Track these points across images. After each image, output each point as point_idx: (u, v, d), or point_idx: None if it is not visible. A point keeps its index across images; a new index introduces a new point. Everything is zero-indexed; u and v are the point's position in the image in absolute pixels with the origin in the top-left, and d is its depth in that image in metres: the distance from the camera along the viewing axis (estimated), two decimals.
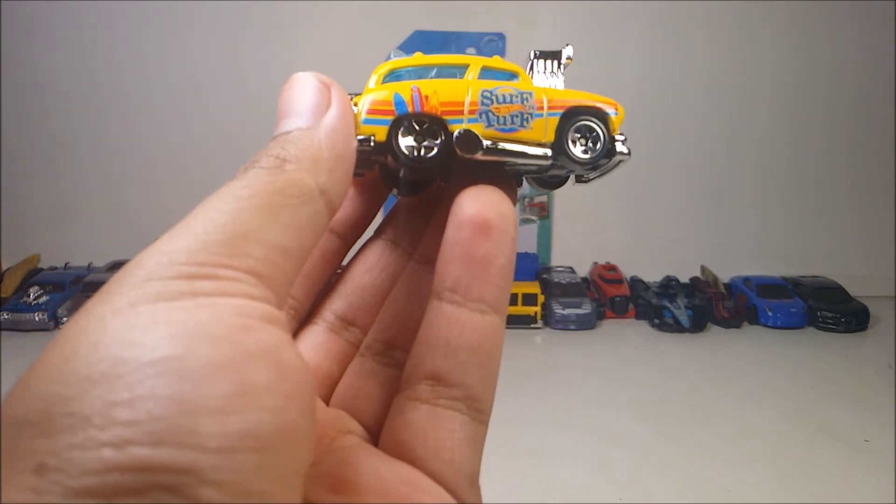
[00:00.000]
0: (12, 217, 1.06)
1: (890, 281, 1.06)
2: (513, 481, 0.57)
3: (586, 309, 0.93)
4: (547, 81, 0.25)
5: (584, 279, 1.03)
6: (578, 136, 0.23)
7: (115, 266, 1.02)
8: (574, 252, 1.07)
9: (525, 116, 0.22)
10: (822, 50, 1.04)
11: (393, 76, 0.24)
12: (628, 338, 0.92)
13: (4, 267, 1.01)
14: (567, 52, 0.25)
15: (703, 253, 1.07)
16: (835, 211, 1.09)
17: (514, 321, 0.91)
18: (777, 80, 1.05)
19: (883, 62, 1.04)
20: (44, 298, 0.92)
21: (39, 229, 1.07)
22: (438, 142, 0.22)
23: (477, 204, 0.20)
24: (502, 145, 0.22)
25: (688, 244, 1.08)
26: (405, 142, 0.22)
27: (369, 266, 0.25)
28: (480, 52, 1.02)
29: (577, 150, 0.23)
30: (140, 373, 0.14)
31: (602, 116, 0.23)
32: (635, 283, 1.01)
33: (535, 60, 0.24)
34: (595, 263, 1.06)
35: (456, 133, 0.21)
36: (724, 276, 1.03)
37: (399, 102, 0.22)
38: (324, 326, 0.24)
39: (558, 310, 0.92)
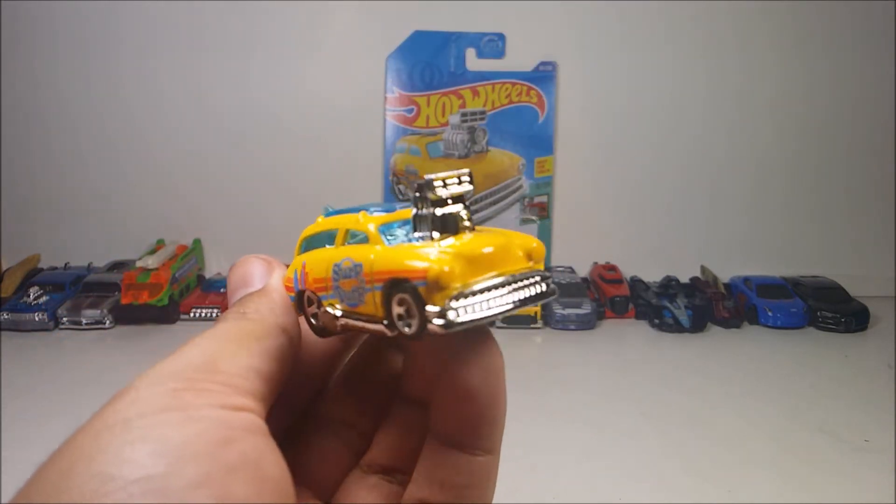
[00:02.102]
0: (12, 217, 1.06)
1: (890, 281, 1.06)
2: (512, 481, 0.57)
3: (586, 309, 0.93)
4: (407, 235, 0.22)
5: (584, 279, 1.03)
6: (403, 309, 0.20)
7: (116, 266, 1.02)
8: (574, 252, 1.07)
9: (359, 291, 0.21)
10: (823, 50, 1.04)
11: (305, 245, 0.25)
12: (628, 338, 0.92)
13: (4, 267, 1.01)
14: (432, 182, 0.21)
15: (703, 253, 1.07)
16: (835, 211, 1.09)
17: (515, 321, 0.91)
18: (777, 81, 1.05)
19: (883, 62, 1.04)
20: (44, 298, 0.92)
21: (39, 229, 1.07)
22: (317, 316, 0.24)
23: (462, 375, 0.20)
24: (351, 322, 0.22)
25: (688, 244, 1.08)
26: (308, 311, 0.24)
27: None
28: (480, 53, 1.03)
29: (403, 324, 0.20)
30: (127, 490, 0.15)
31: (411, 290, 0.19)
32: (635, 283, 1.01)
33: (418, 195, 0.21)
34: (595, 263, 1.06)
35: (315, 314, 0.23)
36: (724, 276, 1.03)
37: (296, 279, 0.24)
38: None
39: (558, 310, 0.92)
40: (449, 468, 0.21)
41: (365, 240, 0.22)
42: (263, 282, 0.24)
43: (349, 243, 0.23)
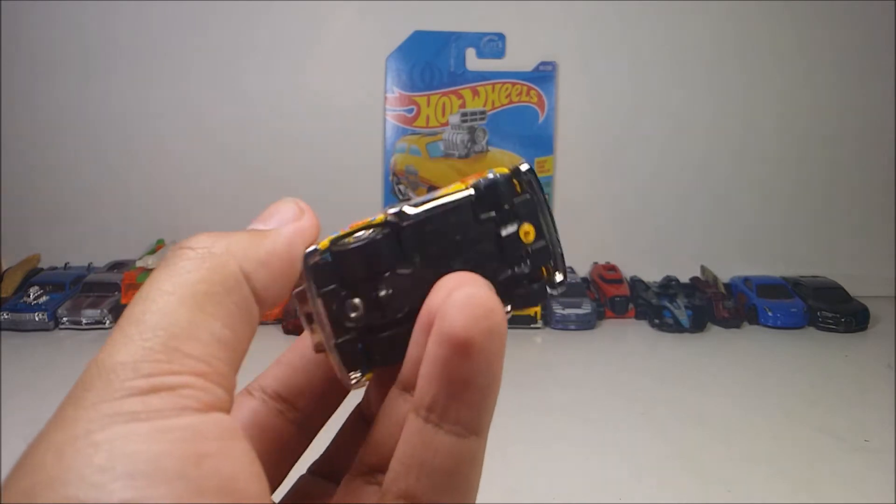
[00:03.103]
0: (12, 217, 1.06)
1: (890, 281, 1.06)
2: (512, 481, 0.57)
3: (586, 309, 0.93)
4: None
5: (584, 279, 1.03)
6: None
7: (116, 266, 1.02)
8: (574, 252, 1.06)
9: None
10: (823, 51, 1.04)
11: None
12: (628, 338, 0.92)
13: (4, 267, 1.01)
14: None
15: (703, 253, 1.07)
16: (835, 211, 1.09)
17: (515, 321, 0.91)
18: (778, 82, 1.05)
19: (883, 62, 1.04)
20: (44, 298, 0.92)
21: (39, 229, 1.07)
22: None
23: (462, 317, 0.18)
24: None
25: (688, 244, 1.08)
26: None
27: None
28: (480, 53, 1.03)
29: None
30: None
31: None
32: (635, 283, 1.01)
33: None
34: (595, 263, 1.06)
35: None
36: (724, 276, 1.03)
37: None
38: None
39: (558, 310, 0.92)
40: (430, 450, 0.18)
41: None
42: (277, 224, 0.21)
43: None
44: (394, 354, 0.20)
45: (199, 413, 0.16)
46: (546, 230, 0.22)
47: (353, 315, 0.20)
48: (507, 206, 0.22)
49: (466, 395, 0.18)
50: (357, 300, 0.20)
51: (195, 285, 0.18)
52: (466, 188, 0.21)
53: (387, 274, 0.20)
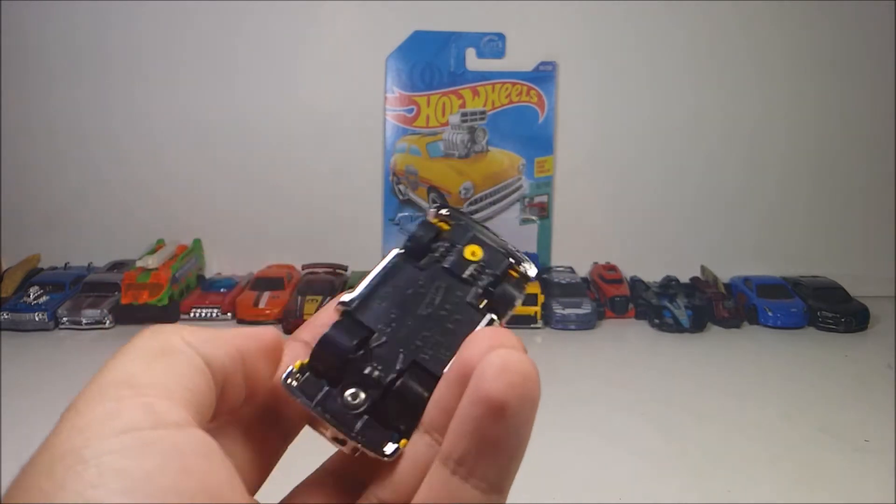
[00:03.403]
0: (12, 217, 1.06)
1: (890, 281, 1.06)
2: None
3: (586, 309, 0.93)
4: None
5: (584, 279, 1.03)
6: None
7: (116, 266, 1.02)
8: (574, 252, 1.07)
9: None
10: (824, 51, 1.04)
11: None
12: (628, 338, 0.92)
13: (4, 267, 1.01)
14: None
15: (703, 253, 1.07)
16: (835, 211, 1.09)
17: (515, 321, 0.91)
18: (778, 82, 1.05)
19: (883, 62, 1.04)
20: (44, 298, 0.92)
21: (39, 229, 1.07)
22: None
23: (499, 381, 0.18)
24: None
25: (688, 244, 1.08)
26: None
27: None
28: (480, 53, 1.03)
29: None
30: None
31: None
32: (635, 283, 1.01)
33: None
34: (595, 263, 1.06)
35: None
36: (724, 276, 1.03)
37: None
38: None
39: (558, 310, 0.92)
40: (455, 501, 0.19)
41: None
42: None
43: None
44: (411, 411, 0.21)
45: (172, 428, 0.17)
46: (488, 240, 0.23)
47: (354, 402, 0.21)
48: (439, 243, 0.23)
49: (495, 456, 0.19)
50: (352, 389, 0.21)
51: (146, 350, 0.19)
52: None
53: (361, 352, 0.21)
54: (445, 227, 0.24)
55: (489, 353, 0.19)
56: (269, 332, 0.22)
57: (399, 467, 0.21)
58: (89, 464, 0.15)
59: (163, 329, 0.20)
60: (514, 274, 0.23)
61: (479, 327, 0.22)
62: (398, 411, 0.21)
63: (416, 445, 0.21)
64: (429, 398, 0.21)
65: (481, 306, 0.22)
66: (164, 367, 0.19)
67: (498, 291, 0.23)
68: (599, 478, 0.59)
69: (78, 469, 0.15)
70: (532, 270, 0.23)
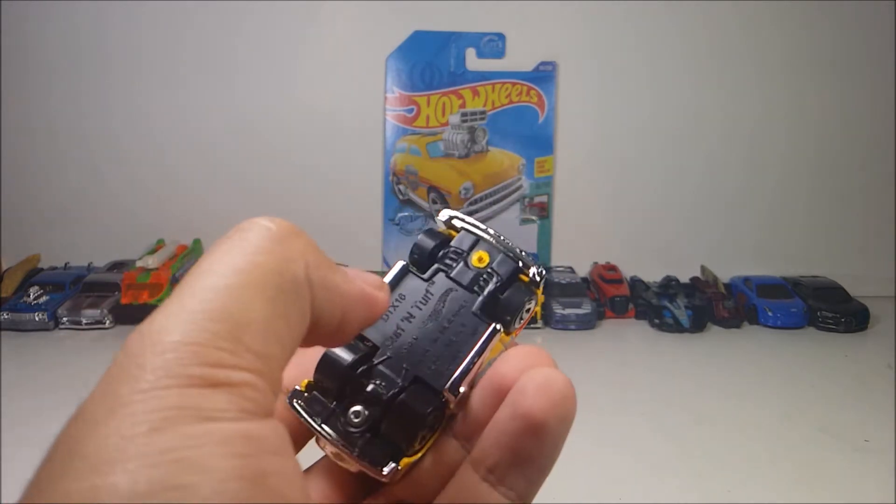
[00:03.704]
0: (12, 217, 1.06)
1: (890, 281, 1.06)
2: None
3: (586, 309, 0.93)
4: None
5: (584, 279, 1.03)
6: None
7: (116, 266, 1.02)
8: (574, 252, 1.07)
9: None
10: (824, 51, 1.04)
11: None
12: (628, 338, 0.92)
13: (4, 267, 1.01)
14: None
15: (703, 253, 1.07)
16: (835, 211, 1.09)
17: None
18: (778, 82, 1.05)
19: (883, 63, 1.04)
20: (44, 298, 0.92)
21: (39, 229, 1.07)
22: None
23: (541, 399, 0.19)
24: None
25: (688, 244, 1.08)
26: None
27: None
28: (480, 53, 1.03)
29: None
30: None
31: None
32: (635, 283, 1.01)
33: None
34: (595, 263, 1.06)
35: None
36: (724, 276, 1.03)
37: None
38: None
39: (558, 310, 0.92)
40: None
41: None
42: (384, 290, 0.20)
43: None
44: (411, 429, 0.21)
45: (257, 419, 0.15)
46: (496, 245, 0.23)
47: (356, 421, 0.21)
48: (447, 251, 0.23)
49: (528, 468, 0.19)
50: (356, 407, 0.21)
51: (269, 275, 0.16)
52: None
53: (364, 368, 0.21)
54: (454, 233, 0.24)
55: (528, 370, 0.19)
56: (381, 295, 0.20)
57: (422, 467, 0.21)
58: (164, 455, 0.13)
59: (286, 239, 0.17)
60: (524, 278, 0.23)
61: (482, 338, 0.22)
62: (398, 429, 0.21)
63: (443, 448, 0.21)
64: (430, 413, 0.21)
65: (489, 314, 0.22)
66: (278, 320, 0.16)
67: (505, 297, 0.23)
68: (599, 478, 0.59)
69: (151, 459, 0.13)
70: (538, 272, 0.23)
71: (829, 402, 0.73)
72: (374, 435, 0.21)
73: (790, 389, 0.76)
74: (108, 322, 0.90)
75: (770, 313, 0.94)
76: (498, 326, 0.22)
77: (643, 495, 0.57)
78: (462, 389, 0.21)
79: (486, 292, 0.22)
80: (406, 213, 1.06)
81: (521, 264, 0.23)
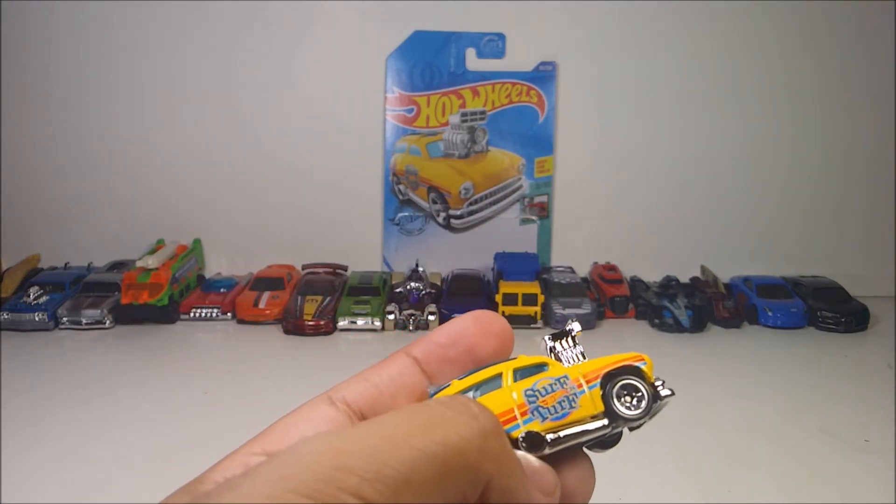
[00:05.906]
0: (12, 217, 1.06)
1: (890, 281, 1.06)
2: None
3: (586, 309, 0.93)
4: (571, 358, 0.26)
5: (584, 279, 1.03)
6: (625, 394, 0.25)
7: (116, 266, 1.02)
8: (574, 252, 1.07)
9: (570, 398, 0.24)
10: (824, 50, 1.04)
11: None
12: (628, 338, 0.92)
13: (4, 267, 1.01)
14: (574, 327, 0.26)
15: (703, 253, 1.07)
16: (835, 211, 1.09)
17: (515, 321, 0.91)
18: (779, 83, 1.05)
19: (883, 62, 1.04)
20: (44, 298, 0.92)
21: (39, 229, 1.07)
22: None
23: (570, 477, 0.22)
24: (564, 433, 0.24)
25: (688, 244, 1.08)
26: None
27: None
28: (480, 53, 1.03)
29: (626, 409, 0.25)
30: None
31: (636, 371, 0.25)
32: (635, 283, 1.01)
33: (553, 344, 0.26)
34: (595, 263, 1.06)
35: (520, 437, 0.23)
36: (724, 276, 1.03)
37: None
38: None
39: (558, 310, 0.92)
40: None
41: (492, 387, 0.24)
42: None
43: (484, 388, 0.25)
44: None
45: None
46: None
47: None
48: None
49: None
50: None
51: (451, 457, 0.16)
52: (596, 414, 0.24)
53: None
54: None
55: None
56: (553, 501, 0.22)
57: None
58: None
59: (489, 437, 0.18)
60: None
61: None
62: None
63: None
64: None
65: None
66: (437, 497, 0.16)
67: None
68: (599, 478, 0.59)
69: None
70: (666, 393, 0.26)
71: (829, 402, 0.73)
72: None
73: (790, 389, 0.76)
74: (108, 322, 0.90)
75: (770, 313, 0.94)
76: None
77: (643, 495, 0.57)
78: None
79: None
80: (406, 213, 1.06)
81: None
